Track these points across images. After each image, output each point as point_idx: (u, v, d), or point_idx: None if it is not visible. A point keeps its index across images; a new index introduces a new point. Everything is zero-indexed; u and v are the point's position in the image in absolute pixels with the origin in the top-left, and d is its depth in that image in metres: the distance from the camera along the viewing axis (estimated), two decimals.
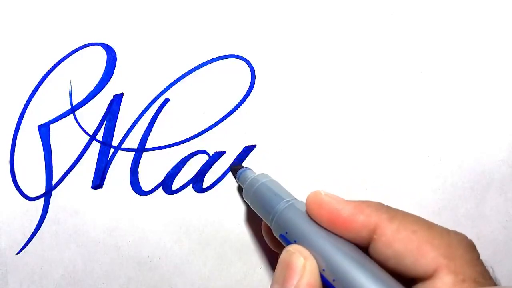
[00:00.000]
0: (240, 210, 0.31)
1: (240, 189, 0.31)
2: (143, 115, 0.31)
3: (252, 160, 0.31)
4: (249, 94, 0.31)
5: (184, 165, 0.31)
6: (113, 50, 0.30)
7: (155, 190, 0.31)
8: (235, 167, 0.30)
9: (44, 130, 0.30)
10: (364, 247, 0.22)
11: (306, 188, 0.31)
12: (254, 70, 0.31)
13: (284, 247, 0.23)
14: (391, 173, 0.31)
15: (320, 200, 0.23)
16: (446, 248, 0.20)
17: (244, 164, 0.31)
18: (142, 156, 0.31)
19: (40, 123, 0.30)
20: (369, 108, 0.31)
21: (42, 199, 0.31)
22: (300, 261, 0.22)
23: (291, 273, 0.22)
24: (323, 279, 0.21)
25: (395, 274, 0.21)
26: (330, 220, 0.22)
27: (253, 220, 0.31)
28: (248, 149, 0.31)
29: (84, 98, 0.30)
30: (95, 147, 0.31)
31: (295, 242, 0.23)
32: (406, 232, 0.21)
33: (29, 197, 0.31)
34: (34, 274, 0.31)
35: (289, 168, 0.31)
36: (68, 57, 0.30)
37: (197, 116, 0.31)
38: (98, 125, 0.30)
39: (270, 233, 0.26)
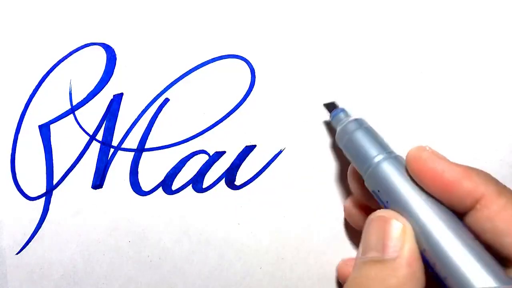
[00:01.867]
0: (240, 210, 0.31)
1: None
2: (143, 115, 0.31)
3: (252, 160, 0.31)
4: (249, 94, 0.31)
5: (184, 165, 0.31)
6: (113, 50, 0.30)
7: (155, 190, 0.31)
8: (328, 105, 0.29)
9: (44, 130, 0.30)
10: (459, 214, 0.21)
11: (307, 187, 0.31)
12: (254, 70, 0.31)
13: (373, 200, 0.22)
14: None
15: (424, 157, 0.22)
16: None
17: (244, 164, 0.31)
18: (142, 156, 0.31)
19: (40, 123, 0.30)
20: (370, 109, 0.31)
21: (43, 199, 0.31)
22: (398, 227, 0.21)
23: (389, 240, 0.21)
24: None
25: (487, 247, 0.20)
26: (431, 181, 0.21)
27: (253, 220, 0.31)
28: (248, 149, 0.31)
29: (84, 98, 0.30)
30: (95, 147, 0.31)
31: (387, 203, 0.22)
32: None
33: (29, 197, 0.31)
34: (34, 274, 0.31)
35: (289, 168, 0.31)
36: (68, 57, 0.30)
37: (197, 116, 0.31)
38: (98, 125, 0.31)
39: (357, 181, 0.25)
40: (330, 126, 0.30)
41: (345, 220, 0.31)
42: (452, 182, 0.21)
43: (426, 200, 0.21)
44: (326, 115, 0.31)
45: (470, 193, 0.21)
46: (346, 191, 0.31)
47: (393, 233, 0.21)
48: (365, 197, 0.27)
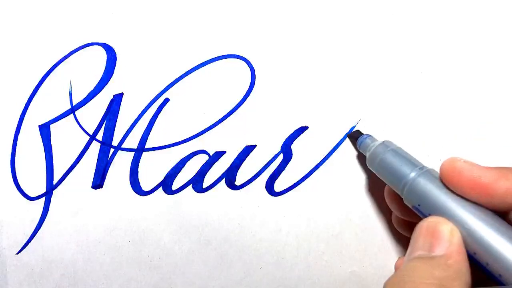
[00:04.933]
0: (240, 210, 0.31)
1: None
2: (143, 115, 0.31)
3: (252, 160, 0.31)
4: (249, 94, 0.31)
5: (184, 165, 0.31)
6: (113, 50, 0.30)
7: (155, 190, 0.31)
8: (353, 134, 0.30)
9: (44, 130, 0.30)
10: (502, 214, 0.22)
11: (306, 187, 0.31)
12: (254, 70, 0.31)
13: (414, 214, 0.23)
14: None
15: (459, 167, 0.22)
16: None
17: (244, 164, 0.31)
18: (142, 156, 0.31)
19: (40, 123, 0.30)
20: (370, 109, 0.31)
21: (43, 199, 0.31)
22: (447, 228, 0.21)
23: (438, 240, 0.21)
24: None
25: None
26: (469, 187, 0.22)
27: (253, 220, 0.31)
28: (248, 149, 0.31)
29: (84, 98, 0.30)
30: (95, 147, 0.31)
31: (429, 215, 0.23)
32: None
33: (29, 197, 0.31)
34: (34, 274, 0.31)
35: (289, 168, 0.31)
36: (68, 57, 0.30)
37: (197, 116, 0.31)
38: (98, 125, 0.31)
39: (396, 200, 0.26)
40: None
41: (345, 220, 0.31)
42: (490, 184, 0.22)
43: (467, 205, 0.22)
44: (323, 121, 0.31)
45: (509, 191, 0.21)
46: (346, 190, 0.31)
47: (441, 233, 0.21)
48: (406, 214, 0.28)
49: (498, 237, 0.20)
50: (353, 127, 0.31)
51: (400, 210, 0.28)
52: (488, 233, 0.21)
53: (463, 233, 0.21)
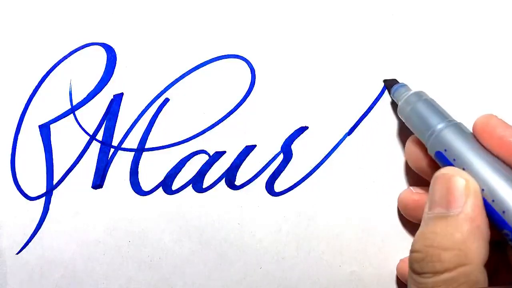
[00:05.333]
0: (240, 209, 0.31)
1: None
2: (143, 115, 0.31)
3: (252, 160, 0.31)
4: (249, 94, 0.31)
5: (184, 165, 0.31)
6: (113, 50, 0.30)
7: (155, 190, 0.31)
8: (389, 81, 0.30)
9: (44, 130, 0.30)
10: None
11: (306, 187, 0.31)
12: (254, 70, 0.31)
13: (432, 166, 0.24)
14: (391, 174, 0.31)
15: (493, 123, 0.23)
16: None
17: (244, 164, 0.31)
18: (142, 156, 0.31)
19: (40, 123, 0.30)
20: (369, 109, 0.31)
21: (43, 199, 0.31)
22: (462, 183, 0.22)
23: (454, 196, 0.22)
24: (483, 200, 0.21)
25: None
26: (498, 145, 0.23)
27: (253, 220, 0.31)
28: (248, 149, 0.31)
29: (84, 98, 0.30)
30: (95, 147, 0.31)
31: (453, 161, 0.23)
32: None
33: (29, 197, 0.31)
34: (34, 274, 0.31)
35: (289, 168, 0.31)
36: (68, 57, 0.30)
37: (197, 116, 0.31)
38: (98, 125, 0.31)
39: (417, 147, 0.27)
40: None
41: (345, 219, 0.31)
42: None
43: (492, 158, 0.22)
44: (323, 121, 0.31)
45: None
46: (345, 190, 0.31)
47: (457, 189, 0.22)
48: (420, 165, 0.28)
49: None
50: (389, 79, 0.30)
51: (416, 163, 0.28)
52: (506, 184, 0.21)
53: (481, 182, 0.22)
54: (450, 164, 0.24)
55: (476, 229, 0.21)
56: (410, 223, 0.31)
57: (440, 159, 0.24)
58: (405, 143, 0.29)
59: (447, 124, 0.25)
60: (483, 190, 0.22)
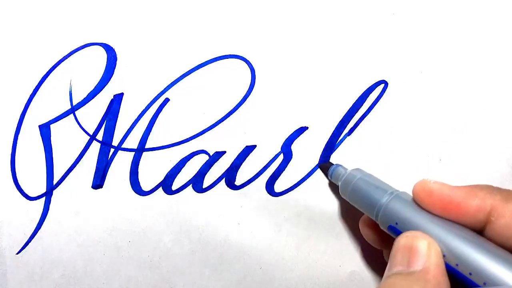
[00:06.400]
0: (240, 210, 0.31)
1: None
2: (143, 115, 0.31)
3: (252, 160, 0.31)
4: (249, 94, 0.31)
5: (184, 165, 0.31)
6: (113, 50, 0.30)
7: (155, 190, 0.31)
8: (324, 165, 0.31)
9: (44, 130, 0.30)
10: (477, 231, 0.22)
11: (306, 187, 0.31)
12: (254, 70, 0.31)
13: (389, 239, 0.23)
14: (391, 174, 0.31)
15: (429, 188, 0.23)
16: None
17: (244, 164, 0.31)
18: (142, 156, 0.31)
19: (41, 123, 0.30)
20: (369, 108, 0.31)
21: (43, 199, 0.31)
22: (424, 244, 0.22)
23: (416, 255, 0.21)
24: (446, 265, 0.21)
25: None
26: (442, 207, 0.23)
27: (253, 220, 0.31)
28: (248, 149, 0.31)
29: (84, 98, 0.30)
30: (95, 147, 0.31)
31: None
32: None
33: (29, 197, 0.31)
34: (34, 274, 0.31)
35: (289, 168, 0.31)
36: (68, 57, 0.30)
37: (197, 116, 0.31)
38: (98, 125, 0.31)
39: (370, 227, 0.27)
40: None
41: (344, 220, 0.31)
42: (460, 203, 0.22)
43: (443, 222, 0.22)
44: (323, 121, 0.31)
45: (480, 209, 0.22)
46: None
47: (419, 249, 0.21)
48: (380, 242, 0.28)
49: (479, 247, 0.21)
50: (326, 157, 0.31)
51: (375, 238, 0.28)
52: (468, 243, 0.21)
53: (442, 247, 0.21)
54: None
55: (437, 286, 0.20)
56: None
57: (395, 232, 0.24)
58: (405, 143, 0.29)
59: (389, 197, 0.25)
60: (444, 256, 0.21)
